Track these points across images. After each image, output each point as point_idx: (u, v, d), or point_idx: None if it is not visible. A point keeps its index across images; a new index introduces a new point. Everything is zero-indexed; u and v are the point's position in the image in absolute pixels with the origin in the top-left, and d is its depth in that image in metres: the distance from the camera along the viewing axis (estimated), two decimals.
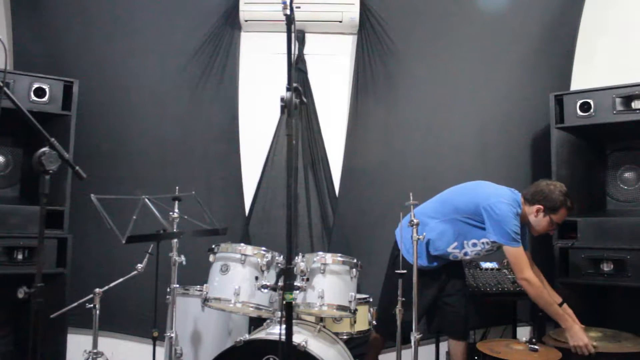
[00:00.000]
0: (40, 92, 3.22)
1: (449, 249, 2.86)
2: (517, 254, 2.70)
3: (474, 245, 2.83)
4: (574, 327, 2.63)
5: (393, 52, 3.84)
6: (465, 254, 2.87)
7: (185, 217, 2.74)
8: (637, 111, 3.06)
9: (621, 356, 2.57)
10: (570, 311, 2.75)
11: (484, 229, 2.75)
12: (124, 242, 2.29)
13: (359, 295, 2.88)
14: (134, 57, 3.84)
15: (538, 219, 2.77)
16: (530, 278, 2.68)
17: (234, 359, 2.45)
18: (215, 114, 3.88)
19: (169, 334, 2.71)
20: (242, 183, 3.84)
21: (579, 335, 2.59)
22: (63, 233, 3.26)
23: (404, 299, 2.54)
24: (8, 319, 3.27)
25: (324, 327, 2.82)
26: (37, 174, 1.77)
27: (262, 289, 2.56)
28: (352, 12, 3.76)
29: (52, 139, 1.79)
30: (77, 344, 3.32)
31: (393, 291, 2.58)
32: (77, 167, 1.90)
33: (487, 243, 2.79)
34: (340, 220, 3.79)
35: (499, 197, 2.73)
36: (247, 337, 2.54)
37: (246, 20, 3.81)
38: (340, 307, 2.60)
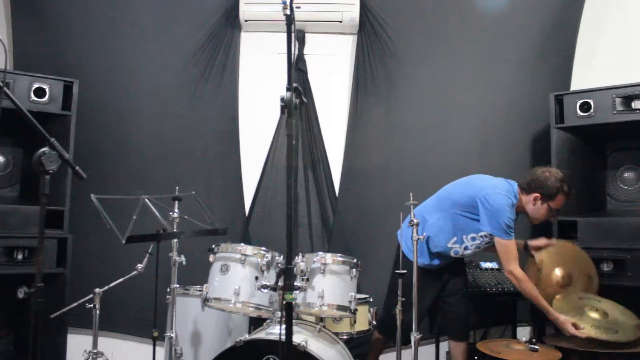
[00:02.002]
0: (40, 92, 3.22)
1: (449, 244, 2.86)
2: (507, 246, 2.71)
3: (473, 239, 2.83)
4: (560, 317, 2.68)
5: (393, 52, 3.84)
6: (466, 248, 2.87)
7: (185, 217, 2.74)
8: (637, 111, 3.07)
9: (621, 356, 2.58)
10: None
11: None
12: (124, 242, 2.29)
13: (359, 295, 2.88)
14: (134, 57, 3.84)
15: (536, 207, 2.77)
16: (515, 271, 2.71)
17: (234, 359, 2.45)
18: (215, 114, 3.88)
19: (169, 334, 2.72)
20: (242, 183, 3.84)
21: (567, 324, 2.65)
22: (63, 233, 3.26)
23: (404, 299, 2.54)
24: (8, 319, 3.28)
25: (324, 327, 2.82)
26: (37, 174, 1.77)
27: (262, 289, 2.56)
28: (352, 12, 3.76)
29: (52, 139, 1.79)
30: (77, 344, 3.32)
31: (397, 292, 2.58)
32: (77, 167, 1.91)
33: (486, 236, 2.79)
34: (340, 220, 3.79)
35: (495, 189, 2.74)
36: (247, 337, 2.54)
37: (246, 20, 3.81)
38: (340, 307, 2.60)
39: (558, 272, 2.91)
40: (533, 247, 2.97)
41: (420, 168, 3.73)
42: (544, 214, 2.78)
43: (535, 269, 2.92)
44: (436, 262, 2.92)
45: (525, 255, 3.00)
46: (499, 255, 2.78)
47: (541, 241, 2.98)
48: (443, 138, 3.79)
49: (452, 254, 2.90)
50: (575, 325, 2.62)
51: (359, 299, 2.93)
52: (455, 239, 2.85)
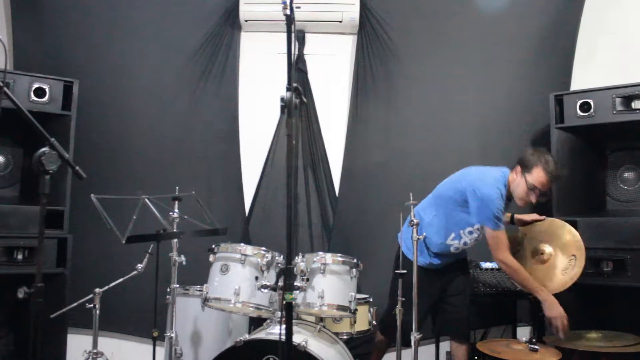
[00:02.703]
0: (40, 92, 3.22)
1: (448, 241, 2.85)
2: (496, 236, 2.70)
3: (470, 233, 2.82)
4: (550, 299, 2.67)
5: (393, 52, 3.84)
6: (465, 243, 2.86)
7: (185, 217, 2.74)
8: (637, 111, 3.07)
9: (621, 356, 2.57)
10: None
11: None
12: (124, 242, 2.29)
13: (359, 295, 2.88)
14: (134, 57, 3.84)
15: (517, 182, 2.74)
16: (506, 259, 2.71)
17: (234, 359, 2.45)
18: (215, 114, 3.88)
19: (169, 334, 2.72)
20: (242, 183, 3.84)
21: (555, 307, 2.64)
22: (63, 233, 3.26)
23: (404, 299, 2.54)
24: (8, 319, 3.28)
25: (324, 327, 2.82)
26: (37, 174, 1.77)
27: (262, 289, 2.56)
28: (352, 12, 3.76)
29: (52, 139, 1.79)
30: (77, 344, 3.32)
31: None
32: (77, 167, 1.90)
33: (483, 227, 2.77)
34: (340, 220, 3.79)
35: (483, 181, 2.72)
36: (247, 337, 2.54)
37: (246, 20, 3.81)
38: (340, 307, 2.60)
39: (539, 248, 2.92)
40: (518, 221, 2.98)
41: (420, 168, 3.73)
42: (523, 188, 2.71)
43: (515, 242, 2.94)
44: (436, 261, 2.91)
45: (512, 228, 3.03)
46: (489, 245, 2.76)
47: (529, 216, 2.98)
48: (443, 138, 3.79)
49: (452, 250, 2.89)
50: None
51: (359, 299, 2.93)
52: (453, 235, 2.84)
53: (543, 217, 2.99)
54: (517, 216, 3.01)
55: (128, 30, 3.85)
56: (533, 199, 2.72)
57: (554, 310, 2.64)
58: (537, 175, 2.68)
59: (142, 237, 2.52)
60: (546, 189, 2.72)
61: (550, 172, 2.67)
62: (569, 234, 2.91)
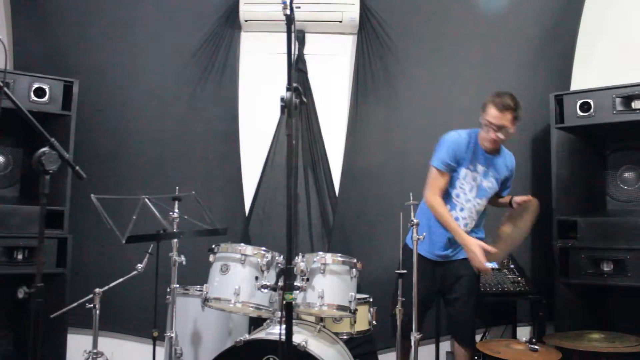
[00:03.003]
0: (40, 92, 3.23)
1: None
2: (434, 174, 2.77)
3: (457, 195, 2.80)
4: (465, 241, 2.66)
5: (393, 52, 3.84)
6: (462, 209, 2.80)
7: (185, 217, 2.74)
8: (637, 111, 3.07)
9: (621, 356, 2.58)
10: None
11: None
12: (124, 242, 2.29)
13: (359, 295, 2.88)
14: (134, 57, 3.84)
15: (481, 125, 2.78)
16: (431, 200, 2.75)
17: (234, 359, 2.45)
18: (215, 113, 3.88)
19: (169, 334, 2.72)
20: (242, 183, 3.84)
21: (470, 250, 2.62)
22: (63, 233, 3.27)
23: (404, 299, 2.54)
24: (8, 319, 3.28)
25: (324, 327, 2.82)
26: (37, 174, 1.77)
27: (262, 289, 2.56)
28: (352, 12, 3.76)
29: (52, 139, 1.80)
30: (77, 344, 3.33)
31: (410, 291, 2.54)
32: (77, 167, 1.91)
33: (463, 183, 2.78)
34: (340, 220, 3.78)
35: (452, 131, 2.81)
36: (247, 337, 2.54)
37: (246, 20, 3.81)
38: (340, 307, 2.60)
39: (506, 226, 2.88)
40: (515, 202, 2.97)
41: (421, 168, 3.68)
42: (484, 129, 2.74)
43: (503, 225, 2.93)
44: (442, 252, 2.84)
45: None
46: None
47: (522, 198, 2.96)
48: None
49: (460, 225, 2.79)
50: (485, 249, 2.58)
51: (359, 299, 2.92)
52: (448, 207, 2.79)
53: (530, 197, 2.93)
54: (515, 198, 2.99)
55: (128, 31, 3.85)
56: (492, 134, 2.71)
57: (470, 252, 2.63)
58: (489, 110, 2.71)
59: (142, 237, 2.52)
60: (500, 122, 2.68)
61: (499, 103, 2.67)
62: (530, 212, 2.81)
